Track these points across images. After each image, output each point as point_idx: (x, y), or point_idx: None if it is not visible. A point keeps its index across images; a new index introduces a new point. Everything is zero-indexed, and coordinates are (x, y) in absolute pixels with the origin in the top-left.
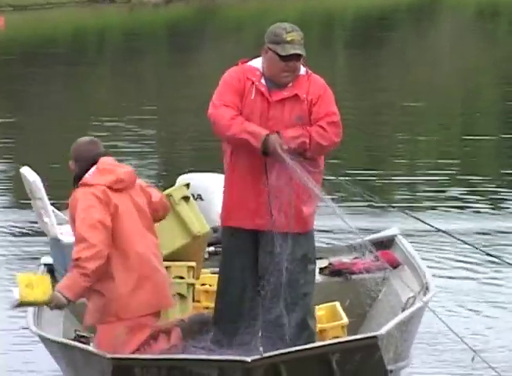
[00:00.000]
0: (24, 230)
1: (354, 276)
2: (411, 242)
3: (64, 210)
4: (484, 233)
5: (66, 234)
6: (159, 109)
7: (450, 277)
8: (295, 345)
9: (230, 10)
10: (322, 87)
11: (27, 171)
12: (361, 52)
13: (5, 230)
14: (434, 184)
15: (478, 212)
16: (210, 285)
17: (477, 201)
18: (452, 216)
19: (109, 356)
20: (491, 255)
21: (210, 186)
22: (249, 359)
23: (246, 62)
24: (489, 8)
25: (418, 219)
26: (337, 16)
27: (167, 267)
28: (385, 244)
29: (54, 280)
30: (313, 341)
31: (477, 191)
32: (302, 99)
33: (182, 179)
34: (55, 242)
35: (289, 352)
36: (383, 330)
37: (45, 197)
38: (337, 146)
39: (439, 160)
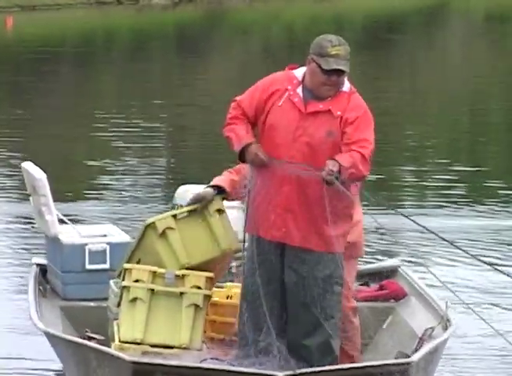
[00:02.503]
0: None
1: (359, 304)
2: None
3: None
4: None
5: (65, 234)
6: (166, 112)
7: None
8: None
9: (238, 13)
10: (362, 108)
11: (30, 167)
12: (371, 55)
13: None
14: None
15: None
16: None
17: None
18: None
19: (129, 359)
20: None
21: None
22: (281, 374)
23: (294, 68)
24: (498, 12)
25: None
26: (347, 19)
27: (184, 275)
28: (387, 275)
29: (46, 281)
30: (336, 362)
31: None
32: (336, 115)
33: (182, 190)
34: (55, 241)
35: (321, 371)
36: (415, 357)
37: (49, 195)
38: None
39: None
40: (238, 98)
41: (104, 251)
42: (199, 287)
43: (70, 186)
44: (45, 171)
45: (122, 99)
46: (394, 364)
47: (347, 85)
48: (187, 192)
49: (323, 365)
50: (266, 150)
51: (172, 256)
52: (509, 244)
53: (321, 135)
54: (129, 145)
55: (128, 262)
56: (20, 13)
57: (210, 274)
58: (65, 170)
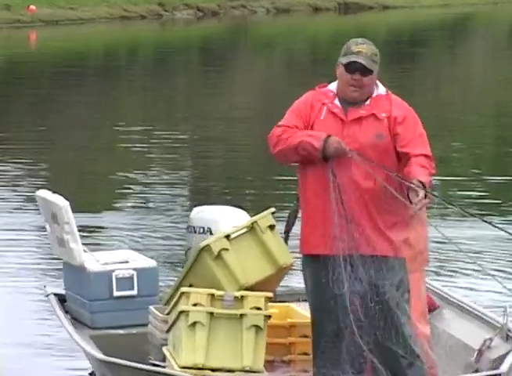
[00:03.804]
0: None
1: None
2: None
3: None
4: None
5: (89, 262)
6: (190, 124)
7: None
8: None
9: (262, 27)
10: (405, 107)
11: (47, 195)
12: (395, 68)
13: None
14: None
15: None
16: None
17: None
18: None
19: None
20: None
21: (221, 220)
22: None
23: (324, 86)
24: None
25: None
26: (370, 33)
27: (243, 296)
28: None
29: (65, 310)
30: (424, 372)
31: None
32: (381, 118)
33: (197, 211)
34: (80, 269)
35: None
36: (504, 368)
37: (73, 222)
38: None
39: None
40: (279, 124)
41: (131, 278)
42: (259, 308)
43: (92, 197)
44: (67, 185)
45: (145, 112)
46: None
47: (382, 89)
48: (201, 213)
49: (412, 373)
50: (318, 168)
51: (230, 277)
52: None
53: (371, 139)
54: (152, 156)
55: (178, 286)
56: (43, 28)
57: (270, 294)
58: (87, 181)
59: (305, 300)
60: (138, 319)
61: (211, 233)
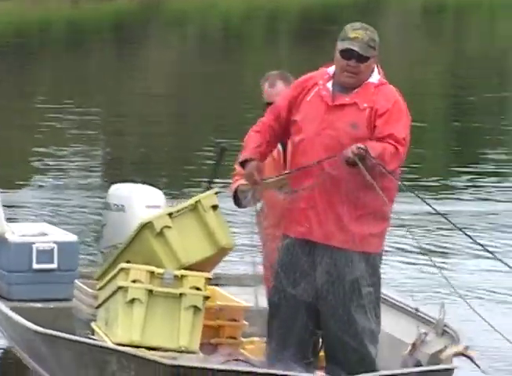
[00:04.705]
0: None
1: None
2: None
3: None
4: None
5: (9, 233)
6: (102, 105)
7: None
8: (353, 373)
9: (174, 4)
10: (392, 100)
11: None
12: (306, 46)
13: None
14: None
15: None
16: None
17: None
18: None
19: (169, 363)
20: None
21: (135, 197)
22: None
23: (329, 66)
24: (435, 4)
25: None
26: (282, 8)
27: (183, 276)
28: None
29: None
30: (375, 368)
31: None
32: (362, 108)
33: (114, 189)
34: (1, 241)
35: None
36: (455, 364)
37: None
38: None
39: None
40: (274, 104)
41: (51, 251)
42: (198, 289)
43: (7, 172)
44: None
45: (59, 89)
46: (440, 370)
47: (376, 77)
48: (117, 190)
49: (361, 370)
50: (294, 148)
51: (171, 256)
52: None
53: (345, 127)
54: (68, 132)
55: (114, 262)
56: None
57: (209, 275)
58: (1, 157)
59: (224, 284)
60: (57, 294)
61: (124, 211)
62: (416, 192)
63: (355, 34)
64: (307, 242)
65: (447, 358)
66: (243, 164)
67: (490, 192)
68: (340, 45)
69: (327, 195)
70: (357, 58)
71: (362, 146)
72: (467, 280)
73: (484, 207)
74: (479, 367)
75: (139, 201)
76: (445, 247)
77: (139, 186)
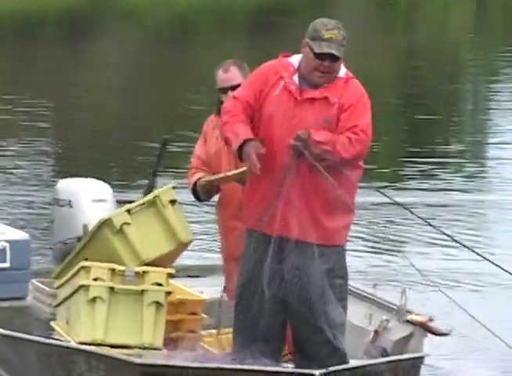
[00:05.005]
0: None
1: None
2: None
3: None
4: None
5: None
6: (51, 97)
7: None
8: (326, 365)
9: None
10: (358, 95)
11: None
12: (260, 38)
13: None
14: None
15: None
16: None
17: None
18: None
19: (138, 361)
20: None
21: (82, 192)
22: (317, 373)
23: (287, 56)
24: None
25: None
26: (238, 1)
27: (144, 272)
28: None
29: None
30: (346, 361)
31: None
32: (332, 102)
33: (61, 184)
34: None
35: (351, 368)
36: (426, 350)
37: None
38: (353, 161)
39: None
40: (235, 94)
41: (4, 250)
42: (160, 284)
43: None
44: None
45: (10, 81)
46: (413, 358)
47: (343, 71)
48: (64, 185)
49: (331, 361)
50: (264, 143)
51: (131, 252)
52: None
53: (318, 122)
54: (18, 125)
55: (72, 260)
56: None
57: (171, 270)
58: None
59: (176, 277)
60: (11, 293)
61: (71, 207)
62: (376, 187)
63: (330, 34)
64: (279, 238)
65: (413, 320)
66: (240, 150)
67: (444, 182)
68: (317, 48)
69: (302, 192)
70: (331, 59)
71: (303, 131)
72: (427, 267)
73: (438, 198)
74: (447, 334)
75: (86, 196)
76: (401, 236)
77: (86, 180)
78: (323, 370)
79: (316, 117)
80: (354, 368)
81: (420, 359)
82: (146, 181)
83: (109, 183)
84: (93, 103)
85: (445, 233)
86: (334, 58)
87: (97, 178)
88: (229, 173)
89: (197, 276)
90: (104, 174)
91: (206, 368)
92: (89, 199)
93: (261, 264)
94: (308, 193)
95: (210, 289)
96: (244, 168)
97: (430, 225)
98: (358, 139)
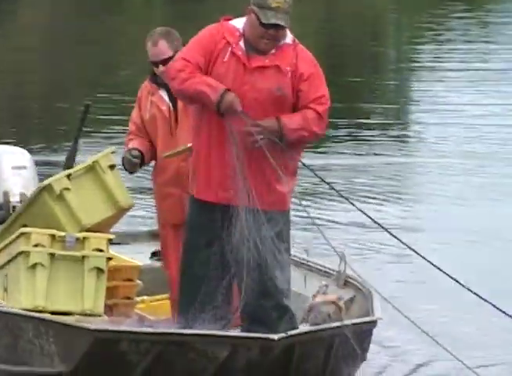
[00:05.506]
0: None
1: None
2: None
3: None
4: None
5: None
6: None
7: None
8: (276, 329)
9: None
10: (313, 62)
11: None
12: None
13: None
14: None
15: None
16: None
17: None
18: None
19: (93, 327)
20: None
21: (2, 160)
22: (276, 337)
23: (229, 20)
24: None
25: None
26: None
27: (85, 238)
28: None
29: None
30: (295, 324)
31: None
32: (284, 71)
33: None
34: None
35: (310, 332)
36: (378, 314)
37: None
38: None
39: None
40: (182, 55)
41: None
42: (100, 250)
43: None
44: None
45: None
46: (367, 322)
47: (289, 37)
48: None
49: (282, 324)
50: (216, 116)
51: (71, 218)
52: None
53: (270, 91)
54: None
55: (9, 227)
56: None
57: (111, 236)
58: None
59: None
60: None
61: None
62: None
63: (277, 3)
64: (226, 205)
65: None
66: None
67: (368, 144)
68: (263, 18)
69: (252, 158)
70: (277, 27)
71: (273, 121)
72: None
73: (362, 160)
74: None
75: (5, 163)
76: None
77: (5, 147)
78: (282, 335)
79: (267, 86)
80: (312, 332)
81: (373, 323)
82: (69, 144)
83: (31, 148)
84: (14, 67)
85: (342, 196)
86: (280, 27)
87: (17, 144)
88: (172, 152)
89: (118, 244)
90: (25, 139)
91: (164, 333)
92: (9, 166)
93: (206, 231)
94: (258, 159)
95: (136, 256)
96: (186, 148)
97: (325, 182)
98: (325, 109)
